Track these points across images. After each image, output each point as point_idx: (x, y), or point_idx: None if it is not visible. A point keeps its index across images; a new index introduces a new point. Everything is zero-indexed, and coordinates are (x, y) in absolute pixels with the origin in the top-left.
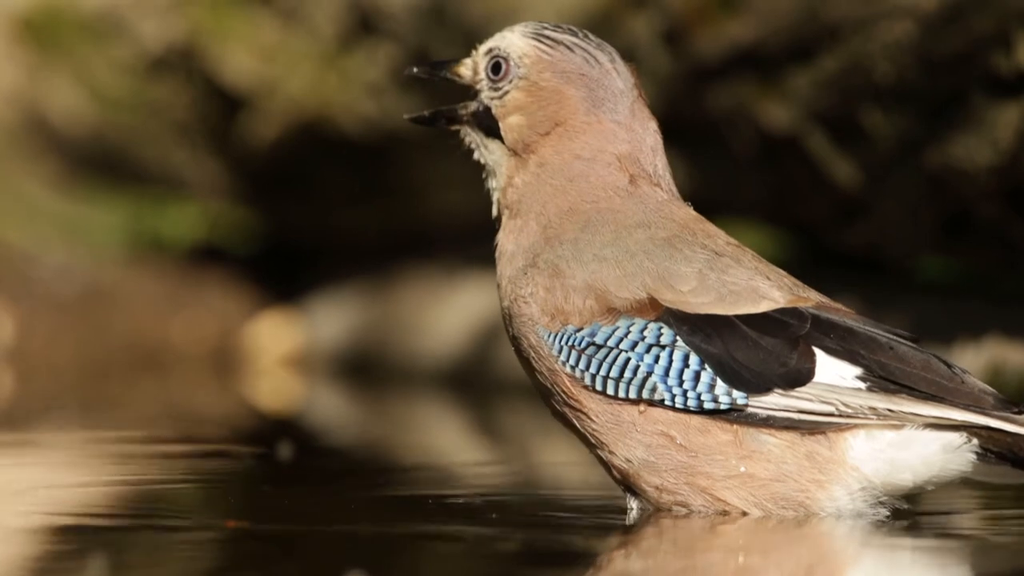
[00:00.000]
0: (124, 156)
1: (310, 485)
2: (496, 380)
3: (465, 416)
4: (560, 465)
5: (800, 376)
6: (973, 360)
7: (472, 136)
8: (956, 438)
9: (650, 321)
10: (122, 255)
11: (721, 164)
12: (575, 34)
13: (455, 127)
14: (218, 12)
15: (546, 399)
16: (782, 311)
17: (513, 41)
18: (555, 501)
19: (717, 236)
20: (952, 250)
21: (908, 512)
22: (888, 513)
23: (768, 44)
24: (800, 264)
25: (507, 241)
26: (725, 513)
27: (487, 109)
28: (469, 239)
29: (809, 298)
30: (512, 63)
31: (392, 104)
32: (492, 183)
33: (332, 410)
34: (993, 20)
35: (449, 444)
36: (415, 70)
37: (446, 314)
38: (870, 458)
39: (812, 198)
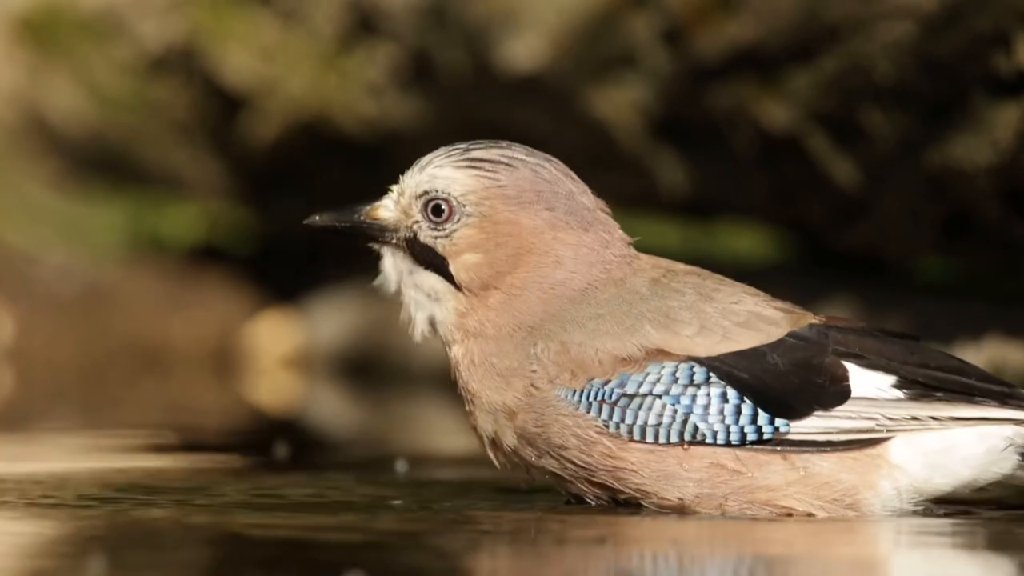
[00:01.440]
0: (124, 156)
1: (309, 485)
2: None
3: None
4: None
5: (838, 394)
6: (973, 360)
7: (396, 259)
8: (1000, 441)
9: (680, 363)
10: (122, 255)
11: (721, 164)
12: (504, 147)
13: (374, 245)
14: (218, 12)
15: (577, 481)
16: (798, 334)
17: (450, 177)
18: (556, 500)
19: (678, 264)
20: (952, 250)
21: (950, 512)
22: (932, 512)
23: (768, 44)
24: (800, 264)
25: (479, 375)
26: (789, 515)
27: (428, 247)
28: None
29: (805, 313)
30: (455, 202)
31: (392, 104)
32: (431, 310)
33: (332, 410)
34: (993, 20)
35: (449, 444)
36: (317, 219)
37: None
38: (914, 460)
39: (812, 198)
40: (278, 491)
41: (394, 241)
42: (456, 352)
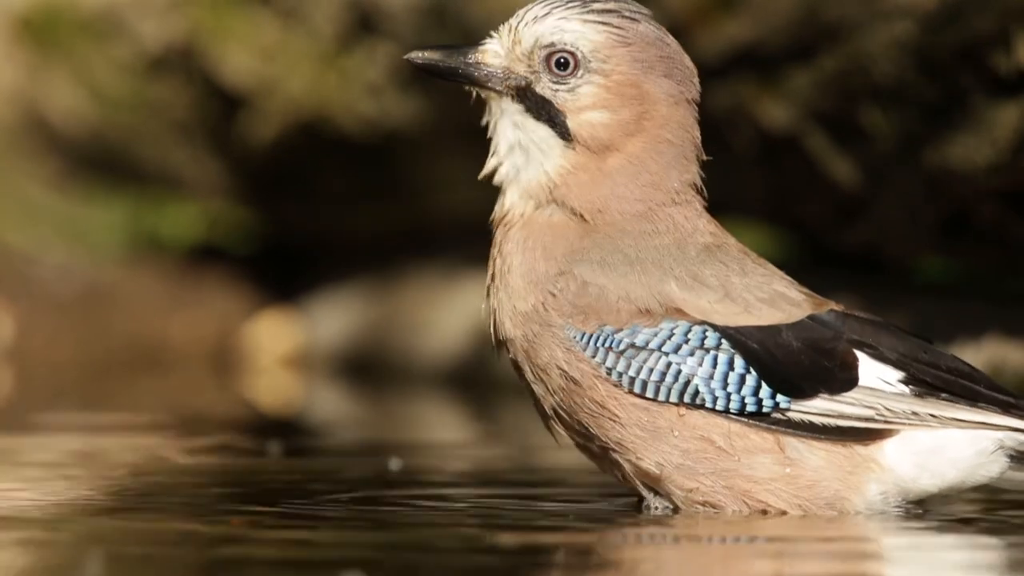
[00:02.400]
0: (124, 156)
1: (308, 485)
2: (496, 380)
3: (465, 416)
4: (561, 464)
5: (845, 381)
6: (973, 360)
7: (504, 109)
8: (989, 444)
9: (694, 324)
10: (122, 255)
11: (721, 164)
12: (628, 4)
13: (476, 90)
14: (218, 12)
15: (558, 417)
16: (817, 317)
17: (578, 31)
18: (556, 499)
19: (731, 238)
20: (951, 250)
21: (936, 512)
22: (916, 513)
23: (767, 44)
24: (800, 264)
25: (524, 250)
26: (764, 513)
27: (546, 100)
28: (469, 238)
29: (827, 301)
30: (582, 57)
31: (392, 104)
32: (527, 162)
33: (331, 410)
34: (992, 20)
35: (449, 444)
36: (420, 55)
37: (446, 314)
38: (903, 460)
39: (812, 198)
40: (277, 491)
41: (501, 88)
42: (512, 230)
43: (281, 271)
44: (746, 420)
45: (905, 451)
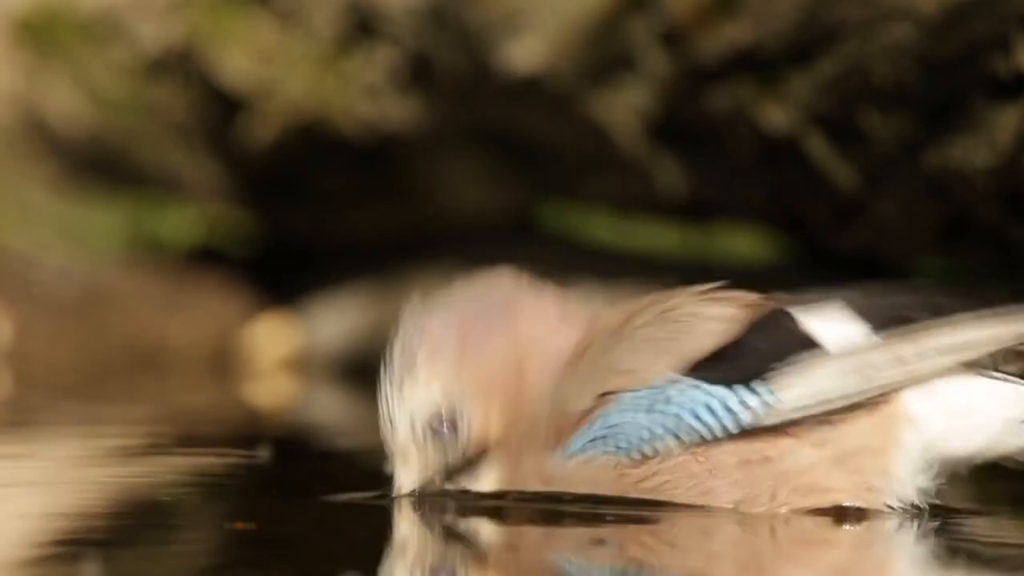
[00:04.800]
0: (122, 158)
1: (307, 487)
2: None
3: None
4: None
5: (810, 364)
6: None
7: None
8: (1019, 411)
9: (643, 388)
10: (121, 257)
11: (720, 166)
12: (422, 310)
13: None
14: (216, 14)
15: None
16: (759, 321)
17: (427, 390)
18: (554, 501)
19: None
20: (951, 252)
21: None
22: (942, 487)
23: (766, 46)
24: (799, 266)
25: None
26: (833, 506)
27: (465, 461)
28: (470, 241)
29: (767, 300)
30: (448, 411)
31: (391, 106)
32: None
33: (330, 413)
34: (992, 23)
35: None
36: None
37: None
38: (930, 416)
39: (811, 200)
40: (275, 493)
41: (446, 482)
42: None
43: (280, 274)
44: (754, 430)
45: (930, 407)
